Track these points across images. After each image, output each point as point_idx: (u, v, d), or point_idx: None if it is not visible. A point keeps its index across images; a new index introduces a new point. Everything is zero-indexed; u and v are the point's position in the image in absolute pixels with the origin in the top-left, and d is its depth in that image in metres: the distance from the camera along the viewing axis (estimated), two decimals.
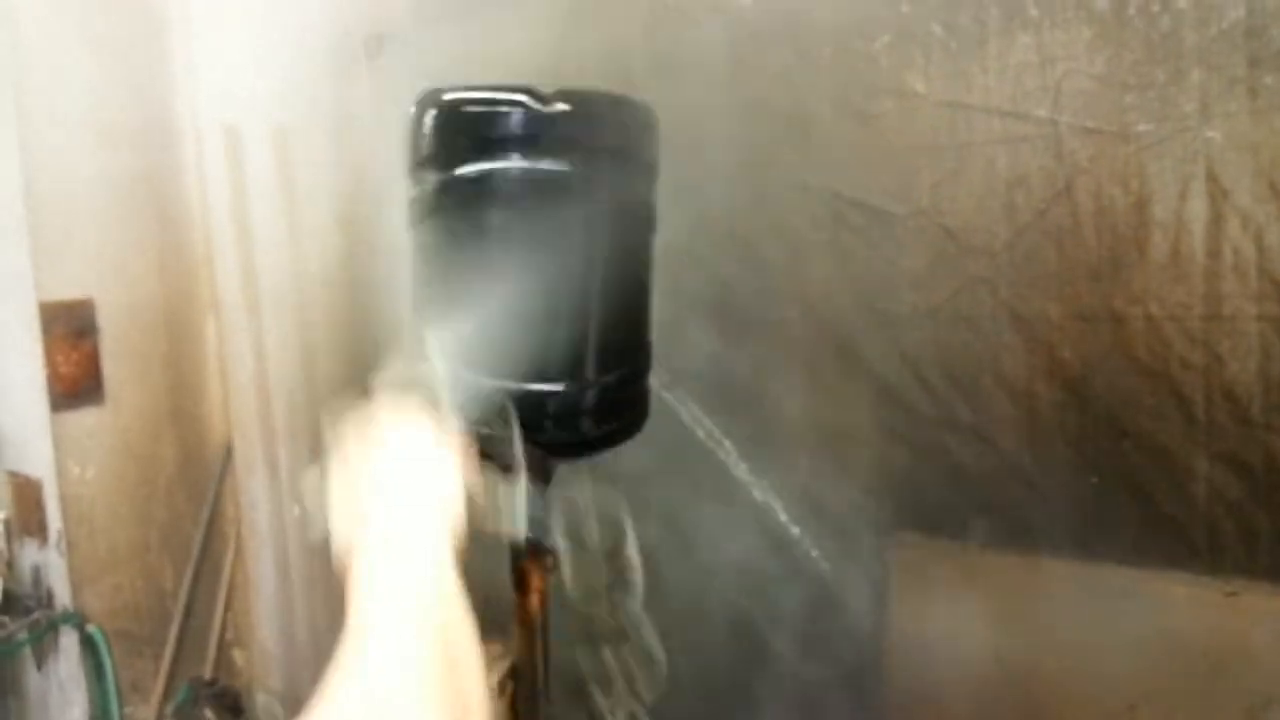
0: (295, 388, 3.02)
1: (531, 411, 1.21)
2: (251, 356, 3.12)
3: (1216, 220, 1.60)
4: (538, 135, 1.25)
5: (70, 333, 2.92)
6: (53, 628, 2.96)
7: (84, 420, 2.98)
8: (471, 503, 0.99)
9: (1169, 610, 1.69)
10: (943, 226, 1.86)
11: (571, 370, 1.26)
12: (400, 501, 0.94)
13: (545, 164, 1.25)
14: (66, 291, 2.91)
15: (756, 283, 2.06)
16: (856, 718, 2.02)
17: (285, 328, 3.02)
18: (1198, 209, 1.62)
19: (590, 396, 1.29)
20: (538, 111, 1.25)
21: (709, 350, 2.09)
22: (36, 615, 2.99)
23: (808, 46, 1.97)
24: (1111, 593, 1.73)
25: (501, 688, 1.27)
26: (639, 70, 2.16)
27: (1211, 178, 1.60)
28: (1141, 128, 1.65)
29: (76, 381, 2.94)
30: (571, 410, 1.27)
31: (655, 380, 2.02)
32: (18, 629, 2.94)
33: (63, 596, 3.01)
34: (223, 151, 3.04)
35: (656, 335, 2.10)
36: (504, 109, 1.25)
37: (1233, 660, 1.63)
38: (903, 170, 1.90)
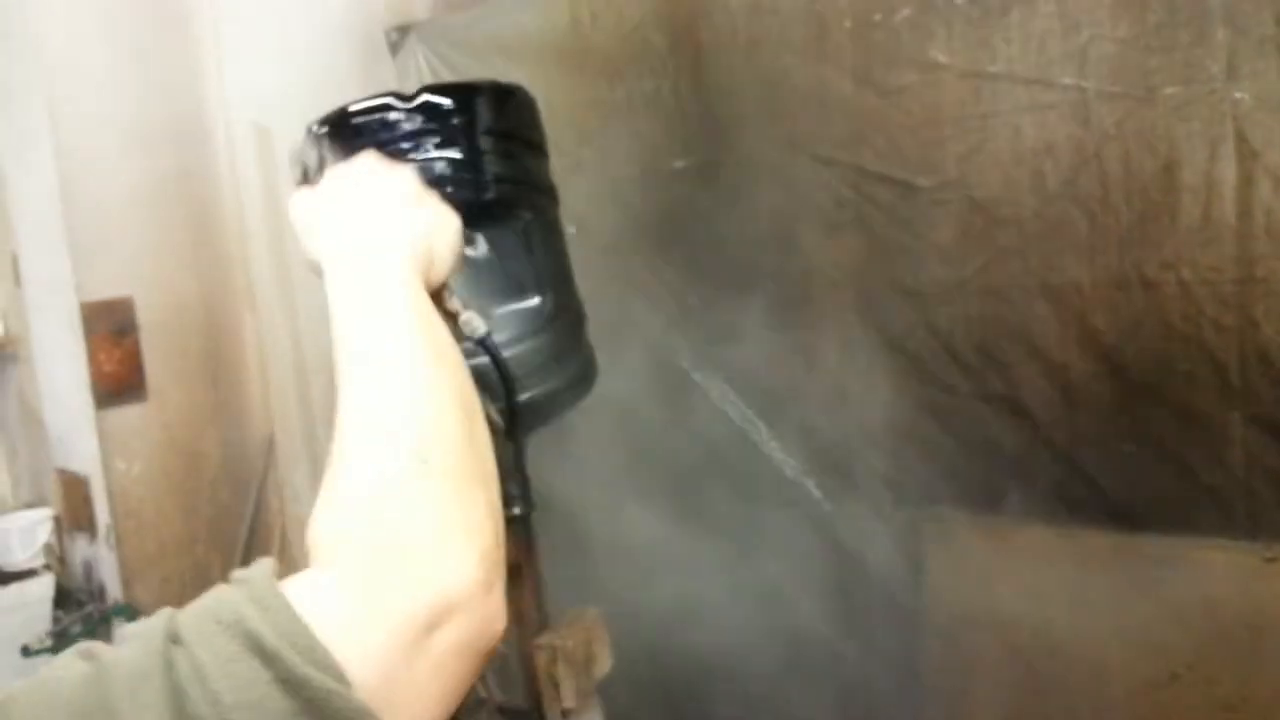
0: (333, 380, 3.04)
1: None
2: (289, 350, 3.16)
3: (1247, 182, 1.58)
4: (418, 132, 1.26)
5: (112, 331, 2.97)
6: (105, 620, 3.03)
7: (128, 417, 3.04)
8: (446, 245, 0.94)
9: (1208, 578, 1.67)
10: (970, 198, 1.85)
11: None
12: (376, 220, 0.89)
13: (433, 155, 1.27)
14: (106, 291, 2.97)
15: (783, 260, 2.06)
16: (893, 692, 2.02)
17: (321, 321, 3.04)
18: (1227, 171, 1.59)
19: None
20: (402, 110, 1.26)
21: (738, 330, 2.10)
22: (89, 609, 3.06)
23: (828, 21, 1.96)
24: (1149, 562, 1.72)
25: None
26: (661, 47, 2.17)
27: (1241, 139, 1.57)
28: (1168, 90, 1.63)
29: (119, 379, 2.99)
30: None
31: (684, 361, 2.04)
32: (71, 622, 3.01)
33: (114, 590, 3.08)
34: (254, 149, 3.07)
35: (685, 318, 2.11)
36: (376, 114, 1.26)
37: (1274, 625, 1.61)
38: (928, 143, 1.88)
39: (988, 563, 1.89)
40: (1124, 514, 1.76)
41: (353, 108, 1.26)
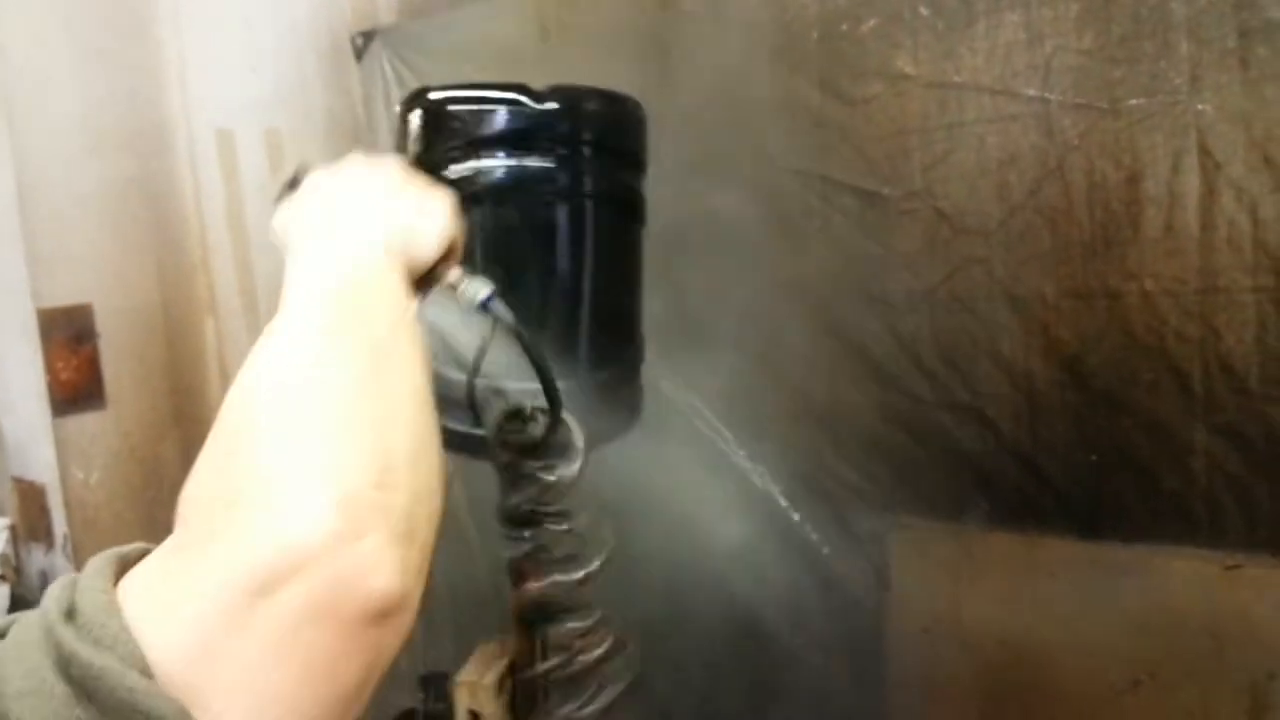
0: None
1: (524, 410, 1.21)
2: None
3: (1210, 193, 1.59)
4: (525, 132, 1.24)
5: (69, 338, 2.92)
6: None
7: (86, 425, 2.99)
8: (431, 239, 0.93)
9: (1170, 586, 1.68)
10: (935, 208, 1.86)
11: (564, 368, 1.26)
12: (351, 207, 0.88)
13: (532, 161, 1.25)
14: (64, 297, 2.91)
15: (749, 270, 2.05)
16: (857, 701, 2.02)
17: None
18: (1190, 183, 1.61)
19: (583, 394, 1.28)
20: (527, 109, 1.25)
21: (703, 339, 2.09)
22: None
23: (795, 32, 1.96)
24: (1113, 570, 1.73)
25: (500, 685, 1.26)
26: (628, 57, 2.16)
27: (1204, 151, 1.59)
28: (1132, 102, 1.64)
29: (77, 386, 2.94)
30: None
31: (650, 370, 2.03)
32: None
33: None
34: (216, 154, 3.04)
35: (649, 326, 2.10)
36: (491, 108, 1.24)
37: (1235, 634, 1.62)
38: (894, 153, 1.89)
39: (953, 571, 1.90)
40: (1087, 522, 1.77)
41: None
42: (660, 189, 2.14)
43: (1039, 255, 1.76)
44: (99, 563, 0.56)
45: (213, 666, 0.51)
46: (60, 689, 0.49)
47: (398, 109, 1.34)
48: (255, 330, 3.12)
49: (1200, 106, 1.58)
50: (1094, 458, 1.76)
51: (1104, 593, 1.73)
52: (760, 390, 2.07)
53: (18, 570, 3.23)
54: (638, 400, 1.47)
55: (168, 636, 0.51)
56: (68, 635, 0.51)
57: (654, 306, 2.15)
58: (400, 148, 1.29)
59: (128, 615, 0.52)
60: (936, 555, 1.92)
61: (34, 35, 2.87)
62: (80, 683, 0.49)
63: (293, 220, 0.91)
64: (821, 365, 2.00)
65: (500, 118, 1.24)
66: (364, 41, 2.70)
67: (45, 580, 3.11)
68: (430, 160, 1.23)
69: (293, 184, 0.98)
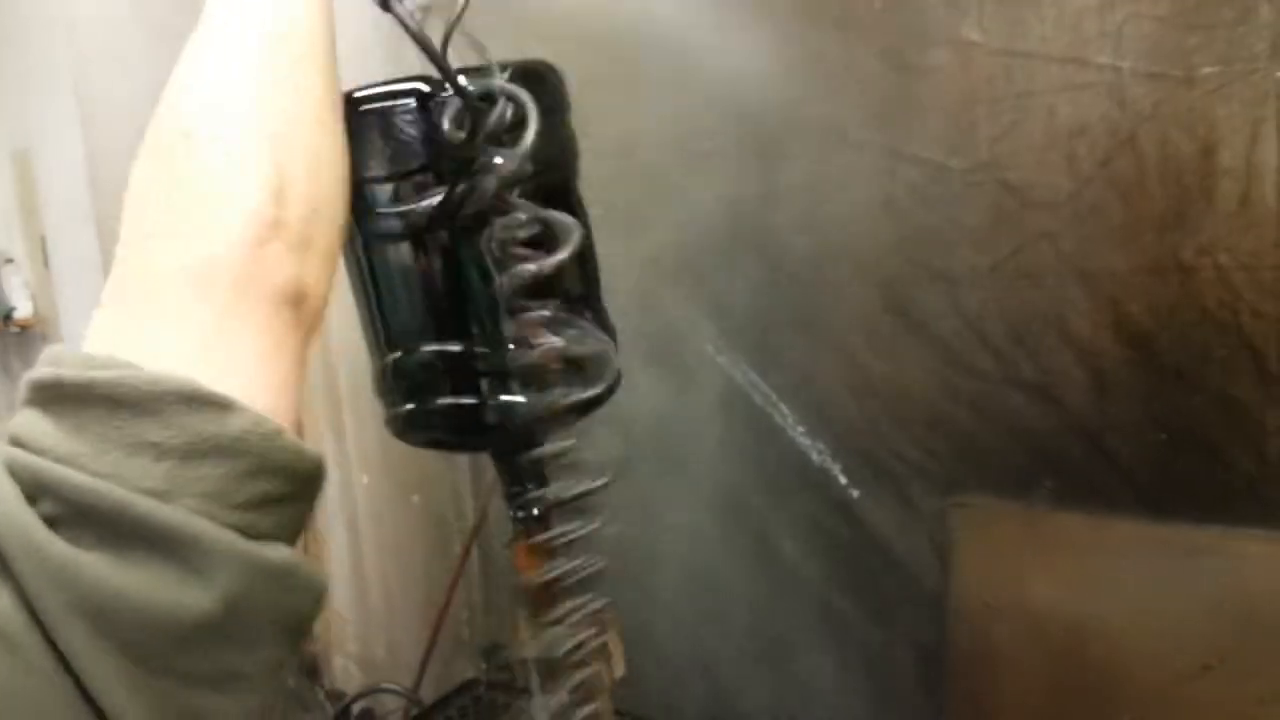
0: (356, 355, 3.05)
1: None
2: None
3: None
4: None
5: None
6: None
7: None
8: None
9: (1244, 569, 1.64)
10: (1002, 181, 1.81)
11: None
12: None
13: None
14: None
15: (809, 243, 2.03)
16: (920, 683, 2.00)
17: (344, 296, 3.05)
18: (1269, 154, 1.55)
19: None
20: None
21: (762, 315, 2.08)
22: None
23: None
24: (1183, 552, 1.69)
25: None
26: (679, 25, 2.14)
27: None
28: (1207, 70, 1.58)
29: None
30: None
31: (707, 345, 2.01)
32: None
33: None
34: None
35: (710, 301, 2.09)
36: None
37: None
38: (959, 123, 1.85)
39: (1017, 552, 1.87)
40: (1157, 503, 1.73)
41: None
42: (717, 165, 2.13)
43: (1109, 229, 1.71)
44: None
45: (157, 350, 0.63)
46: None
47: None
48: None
49: None
50: (1164, 436, 1.71)
51: (1174, 575, 1.69)
52: (821, 367, 2.05)
53: None
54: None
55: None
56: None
57: (715, 284, 2.14)
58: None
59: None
60: (999, 535, 1.89)
61: (103, 13, 2.92)
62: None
63: None
64: (883, 342, 1.97)
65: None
66: (421, 16, 2.70)
67: None
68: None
69: None
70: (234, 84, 0.76)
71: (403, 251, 1.11)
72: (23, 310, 3.39)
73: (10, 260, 3.45)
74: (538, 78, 1.16)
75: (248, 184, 0.70)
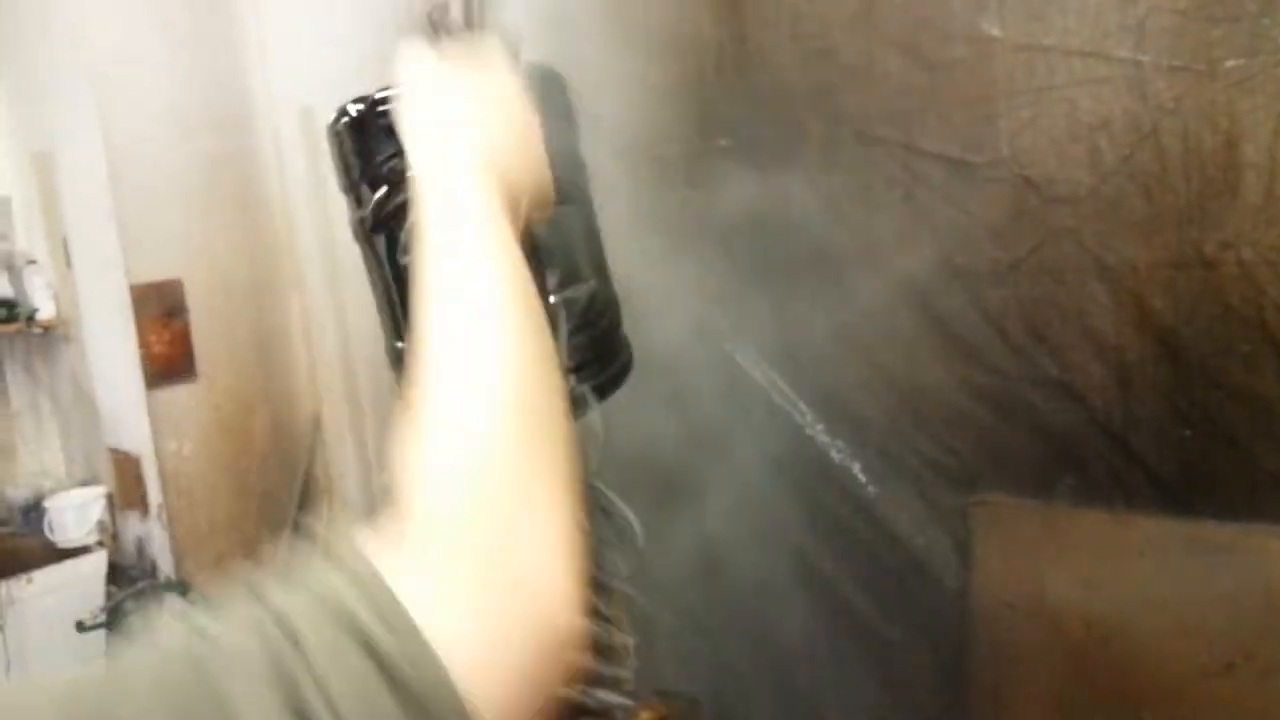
0: (378, 359, 3.06)
1: None
2: (335, 330, 3.18)
3: None
4: None
5: (161, 313, 3.01)
6: (158, 596, 3.07)
7: (178, 397, 3.08)
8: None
9: (1268, 566, 1.62)
10: (1023, 176, 1.80)
11: None
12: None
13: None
14: (155, 273, 3.00)
15: (828, 240, 2.02)
16: (940, 680, 1.99)
17: (366, 301, 3.06)
18: None
19: None
20: None
21: (782, 311, 2.07)
22: (142, 585, 3.11)
23: None
24: (1206, 549, 1.68)
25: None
26: (703, 25, 2.14)
27: None
28: (1230, 63, 1.57)
29: (169, 360, 3.03)
30: None
31: (727, 343, 2.01)
32: (124, 598, 3.07)
33: (165, 566, 3.13)
34: (299, 131, 3.08)
35: (728, 299, 2.08)
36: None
37: None
38: (979, 118, 1.83)
39: (1038, 549, 1.86)
40: (1180, 500, 1.72)
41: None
42: (734, 157, 2.12)
43: (1131, 224, 1.70)
44: (377, 582, 0.56)
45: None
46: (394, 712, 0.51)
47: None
48: (339, 306, 3.17)
49: None
50: (1187, 433, 1.70)
51: (1197, 572, 1.68)
52: (840, 364, 2.04)
53: (115, 537, 3.35)
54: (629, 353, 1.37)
55: (489, 699, 0.53)
56: (408, 671, 0.52)
57: (733, 281, 2.14)
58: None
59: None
60: (1020, 532, 1.88)
61: (121, 18, 2.94)
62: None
63: (421, 111, 0.81)
64: (903, 339, 1.97)
65: None
66: (440, 13, 2.71)
67: (141, 547, 3.23)
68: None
69: (433, 27, 0.90)
70: (539, 382, 0.66)
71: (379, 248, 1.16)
72: (45, 311, 3.41)
73: (33, 261, 3.48)
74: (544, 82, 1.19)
75: (570, 521, 0.62)
